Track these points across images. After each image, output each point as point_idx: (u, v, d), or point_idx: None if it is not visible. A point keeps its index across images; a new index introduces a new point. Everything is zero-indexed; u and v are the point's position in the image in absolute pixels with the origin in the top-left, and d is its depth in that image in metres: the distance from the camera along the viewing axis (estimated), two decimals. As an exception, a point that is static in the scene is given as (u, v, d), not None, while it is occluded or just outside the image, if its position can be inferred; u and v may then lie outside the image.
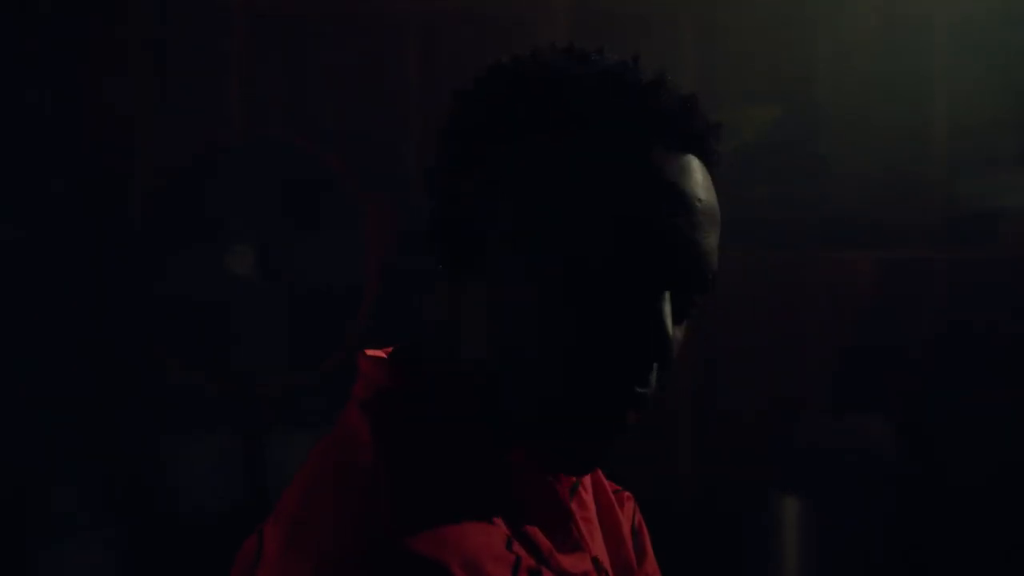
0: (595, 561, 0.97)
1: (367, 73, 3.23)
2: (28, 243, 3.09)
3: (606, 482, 1.08)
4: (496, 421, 0.90)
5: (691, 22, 3.28)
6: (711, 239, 0.89)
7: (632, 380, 0.87)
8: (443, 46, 3.24)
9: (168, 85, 3.23)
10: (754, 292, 3.28)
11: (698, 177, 0.89)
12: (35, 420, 3.06)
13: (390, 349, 0.97)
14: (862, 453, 3.09)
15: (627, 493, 1.11)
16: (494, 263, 0.89)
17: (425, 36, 3.22)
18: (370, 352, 0.97)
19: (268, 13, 3.26)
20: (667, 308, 0.87)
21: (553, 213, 0.87)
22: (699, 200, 0.88)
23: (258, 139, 3.12)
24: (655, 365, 0.88)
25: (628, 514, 1.09)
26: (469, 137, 0.90)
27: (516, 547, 0.86)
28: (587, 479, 1.04)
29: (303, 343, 2.96)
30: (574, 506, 0.98)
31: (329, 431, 0.96)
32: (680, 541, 3.09)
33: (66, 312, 3.12)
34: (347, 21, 3.24)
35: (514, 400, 0.89)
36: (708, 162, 0.91)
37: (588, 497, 1.03)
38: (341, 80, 3.24)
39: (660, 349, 0.87)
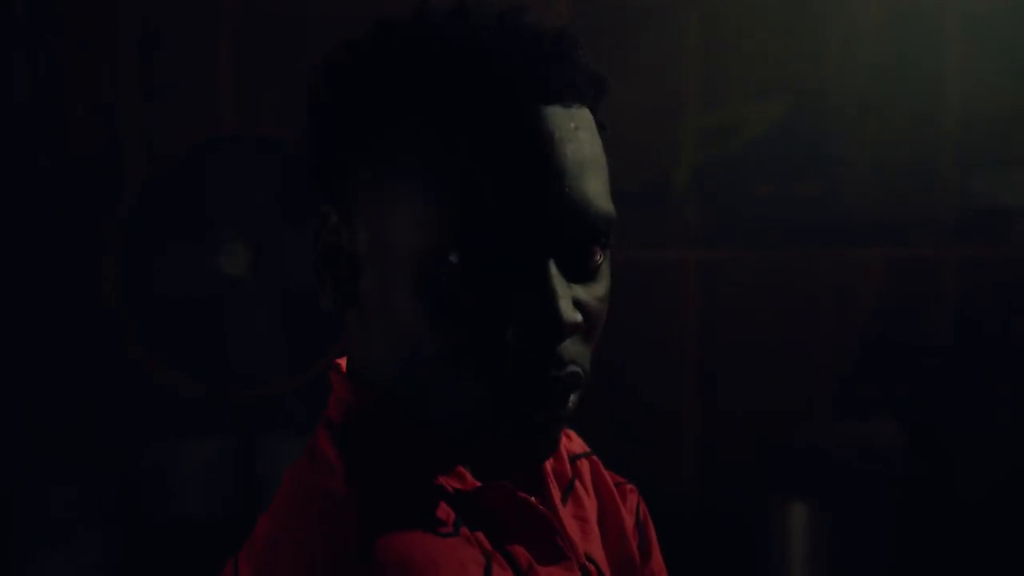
0: (590, 560, 0.96)
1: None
2: (11, 241, 3.09)
3: (607, 475, 1.06)
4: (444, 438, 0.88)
5: (695, 14, 3.27)
6: (590, 184, 0.83)
7: (542, 364, 0.83)
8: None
9: (156, 78, 3.22)
10: (759, 292, 3.28)
11: (562, 126, 0.83)
12: (22, 423, 3.05)
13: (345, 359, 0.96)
14: (869, 457, 3.10)
15: (630, 486, 1.08)
16: (372, 286, 0.86)
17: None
18: (341, 362, 0.95)
19: (260, 4, 3.26)
20: (552, 274, 0.82)
21: (415, 217, 0.82)
22: (564, 154, 0.82)
23: (249, 134, 3.11)
24: (559, 341, 0.82)
25: (631, 508, 1.07)
26: (329, 147, 0.88)
27: (497, 572, 0.84)
28: (587, 474, 1.03)
29: (295, 345, 2.95)
30: (569, 504, 0.97)
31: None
32: (684, 547, 3.08)
33: (52, 313, 3.12)
34: (341, 12, 3.24)
35: (438, 416, 0.86)
36: (580, 104, 0.85)
37: (587, 495, 1.01)
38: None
39: (552, 323, 0.81)
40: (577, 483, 1.01)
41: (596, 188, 0.84)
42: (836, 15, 3.29)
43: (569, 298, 0.83)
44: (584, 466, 1.04)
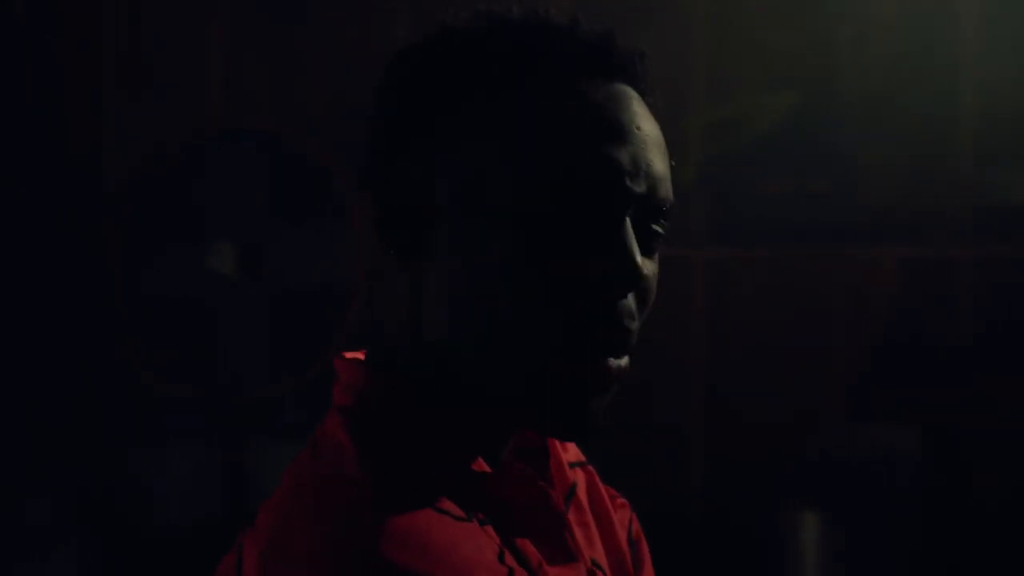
0: (594, 563, 0.98)
1: (357, 58, 3.22)
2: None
3: (602, 486, 1.09)
4: (483, 410, 0.92)
5: (701, 4, 3.28)
6: (658, 164, 0.92)
7: (612, 314, 0.89)
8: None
9: (142, 70, 3.22)
10: (769, 292, 3.28)
11: (633, 104, 0.92)
12: (2, 430, 3.05)
13: (365, 351, 0.99)
14: (884, 465, 3.10)
15: (622, 500, 1.12)
16: (447, 238, 0.91)
17: (418, 20, 3.21)
18: (348, 355, 0.98)
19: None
20: (629, 232, 0.89)
21: (499, 173, 0.89)
22: (637, 127, 0.91)
23: (239, 129, 3.11)
24: (631, 296, 0.90)
25: (623, 522, 1.10)
26: (406, 112, 0.94)
27: (508, 559, 0.86)
28: (582, 483, 1.06)
29: (286, 348, 2.95)
30: (572, 511, 1.00)
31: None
32: (692, 558, 3.09)
33: (34, 314, 3.12)
34: (335, 2, 3.24)
35: (497, 376, 0.90)
36: (640, 91, 0.95)
37: (584, 497, 1.05)
38: (329, 65, 3.23)
39: (631, 273, 0.88)
40: (578, 490, 1.04)
41: (665, 169, 0.93)
42: (848, 4, 3.29)
43: (640, 258, 0.90)
44: (580, 475, 1.08)
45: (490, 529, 0.88)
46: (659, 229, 0.93)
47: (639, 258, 0.89)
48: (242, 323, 2.94)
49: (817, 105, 3.26)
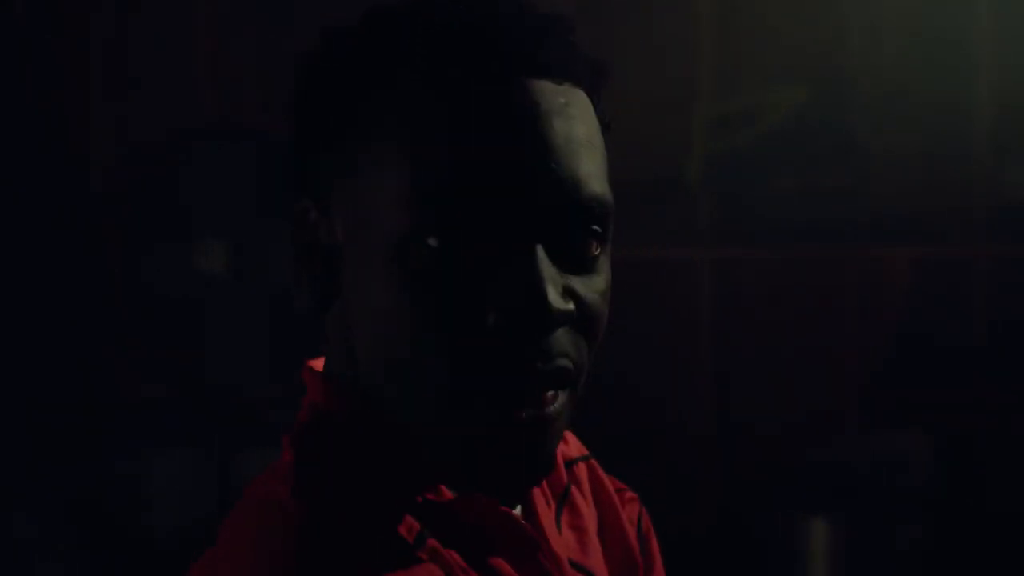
0: (583, 570, 0.95)
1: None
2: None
3: (607, 480, 1.06)
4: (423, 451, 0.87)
5: (709, -5, 3.28)
6: (580, 165, 0.82)
7: (525, 355, 0.81)
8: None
9: (129, 63, 3.21)
10: (778, 293, 3.29)
11: (550, 100, 0.83)
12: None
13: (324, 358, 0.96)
14: (897, 471, 3.10)
15: (631, 494, 1.08)
16: (349, 278, 0.86)
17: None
18: (311, 363, 0.95)
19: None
20: (539, 257, 0.81)
21: (383, 203, 0.83)
22: (551, 127, 0.82)
23: (229, 124, 3.11)
24: (545, 329, 0.81)
25: (632, 518, 1.06)
26: (304, 138, 0.89)
27: None
28: (585, 481, 1.03)
29: (278, 350, 2.95)
30: (564, 513, 0.97)
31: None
32: (700, 564, 3.09)
33: (16, 315, 3.12)
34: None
35: (418, 416, 0.85)
36: (564, 78, 0.85)
37: (584, 503, 1.01)
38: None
39: (537, 308, 0.80)
40: (574, 490, 1.00)
41: (588, 168, 0.83)
42: (861, -6, 3.29)
43: (559, 285, 0.82)
44: (582, 471, 1.04)
45: (455, 555, 0.85)
46: (594, 239, 0.84)
47: (550, 290, 0.80)
48: (236, 324, 2.94)
49: (827, 99, 3.26)
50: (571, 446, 1.05)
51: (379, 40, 0.85)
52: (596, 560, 0.99)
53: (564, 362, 0.83)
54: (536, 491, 0.95)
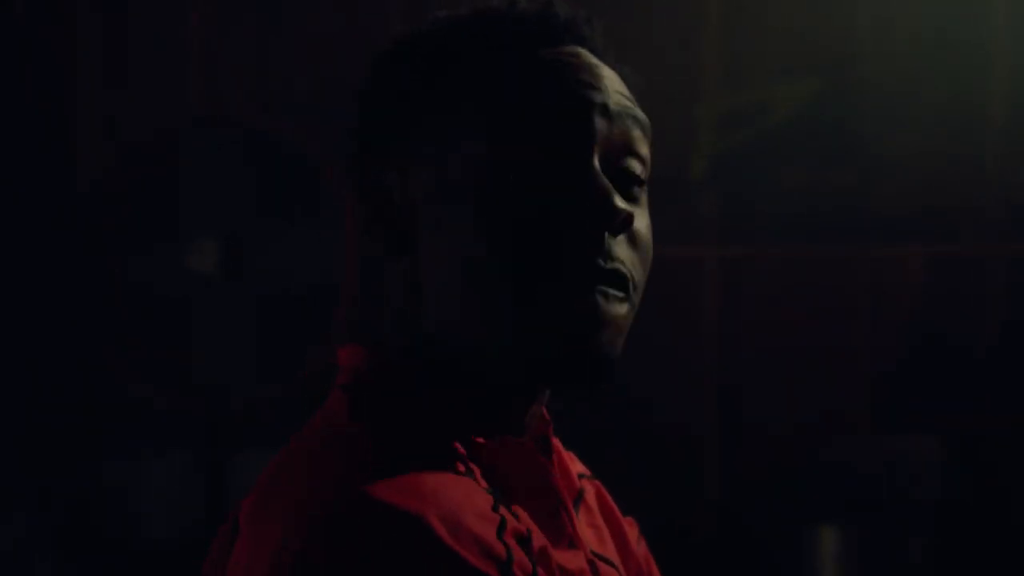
0: (601, 557, 1.03)
1: (346, 43, 3.22)
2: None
3: (611, 500, 1.15)
4: (483, 394, 0.98)
5: (716, -13, 3.28)
6: (619, 97, 0.99)
7: (591, 246, 0.93)
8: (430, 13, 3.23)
9: (118, 56, 3.21)
10: (785, 293, 3.29)
11: (598, 63, 1.00)
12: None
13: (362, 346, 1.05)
14: (908, 476, 3.10)
15: (629, 518, 1.17)
16: (427, 231, 0.99)
17: (408, 5, 3.21)
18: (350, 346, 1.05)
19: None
20: (598, 169, 0.95)
21: (461, 155, 0.97)
22: (601, 72, 0.99)
23: (221, 118, 3.11)
24: (621, 240, 0.95)
25: (633, 538, 1.15)
26: (381, 115, 1.03)
27: (504, 512, 0.89)
28: (592, 494, 1.12)
29: (272, 351, 2.95)
30: (581, 513, 1.06)
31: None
32: (703, 572, 3.09)
33: (9, 315, 3.12)
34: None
35: (497, 355, 0.96)
36: (592, 51, 1.02)
37: (594, 506, 1.11)
38: (316, 51, 3.23)
39: (601, 205, 0.92)
40: (587, 497, 1.10)
41: (632, 102, 1.00)
42: (871, -14, 3.29)
43: (614, 192, 0.94)
44: (589, 487, 1.13)
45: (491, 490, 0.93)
46: (636, 162, 0.99)
47: (609, 185, 0.94)
48: (226, 325, 2.94)
49: (837, 93, 3.26)
50: (577, 465, 1.15)
51: (453, 28, 1.02)
52: (613, 555, 1.07)
53: (622, 267, 0.94)
54: (558, 482, 1.02)
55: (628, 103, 0.99)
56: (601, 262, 0.93)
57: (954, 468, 3.12)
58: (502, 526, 0.87)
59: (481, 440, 0.95)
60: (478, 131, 0.96)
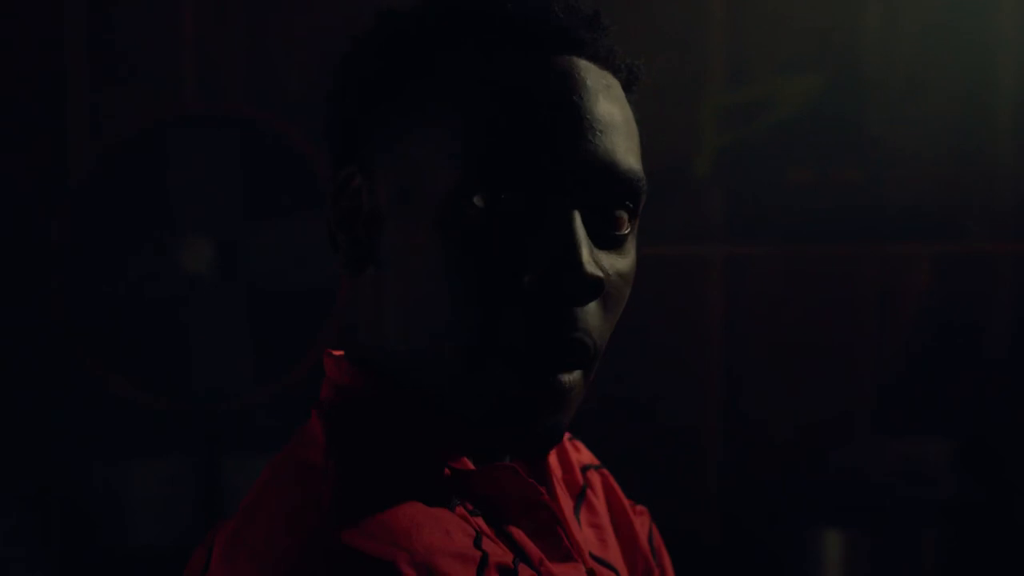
0: (603, 563, 1.02)
1: (343, 39, 3.21)
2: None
3: (619, 489, 1.14)
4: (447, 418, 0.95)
5: (720, -21, 3.28)
6: (619, 142, 0.91)
7: (552, 322, 0.89)
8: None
9: (108, 48, 3.21)
10: (791, 292, 3.29)
11: (595, 80, 0.92)
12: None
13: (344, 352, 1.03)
14: (916, 479, 3.11)
15: (640, 507, 1.16)
16: (389, 244, 0.94)
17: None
18: (334, 352, 1.02)
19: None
20: (577, 224, 0.89)
21: (425, 170, 0.91)
22: (595, 104, 0.91)
23: (215, 113, 3.10)
24: (578, 292, 0.89)
25: (643, 529, 1.14)
26: (347, 117, 0.98)
27: (487, 545, 0.88)
28: (598, 487, 1.11)
29: (265, 352, 2.95)
30: (583, 512, 1.05)
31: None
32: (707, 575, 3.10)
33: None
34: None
35: (449, 382, 0.92)
36: (594, 60, 0.94)
37: (599, 502, 1.10)
38: (312, 45, 3.23)
39: (572, 270, 0.87)
40: (589, 492, 1.09)
41: (627, 145, 0.92)
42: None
43: (592, 253, 0.89)
44: (595, 479, 1.12)
45: (479, 520, 0.91)
46: (625, 213, 0.92)
47: (585, 252, 0.88)
48: (218, 326, 2.94)
49: (844, 88, 3.26)
50: (583, 454, 1.14)
51: (433, 17, 0.94)
52: (615, 556, 1.06)
53: (586, 337, 0.90)
54: (557, 483, 1.02)
55: (621, 142, 0.92)
56: (566, 333, 0.89)
57: (963, 470, 3.13)
58: (483, 564, 0.86)
59: (468, 467, 0.93)
60: (453, 135, 0.90)
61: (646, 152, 0.95)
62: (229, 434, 3.05)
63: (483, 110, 0.90)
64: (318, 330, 2.94)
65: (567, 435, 1.10)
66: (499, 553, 0.88)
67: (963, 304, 3.29)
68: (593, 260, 0.89)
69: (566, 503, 1.03)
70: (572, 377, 0.90)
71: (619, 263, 0.92)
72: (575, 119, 0.90)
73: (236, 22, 3.25)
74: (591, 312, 0.90)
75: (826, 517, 3.10)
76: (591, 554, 1.02)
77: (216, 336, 2.94)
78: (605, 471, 1.14)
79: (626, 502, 1.13)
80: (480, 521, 0.91)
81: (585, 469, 1.11)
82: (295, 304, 2.96)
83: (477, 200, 0.88)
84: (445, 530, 0.87)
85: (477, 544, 0.87)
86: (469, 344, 0.90)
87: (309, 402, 1.01)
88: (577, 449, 1.13)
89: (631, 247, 0.94)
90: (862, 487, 3.11)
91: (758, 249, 3.29)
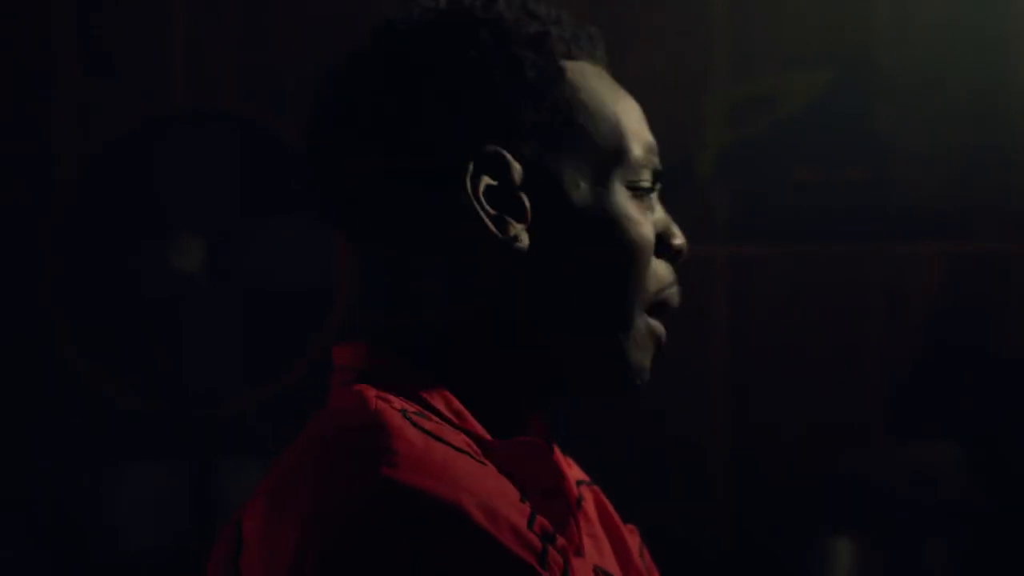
0: (601, 571, 1.04)
1: (338, 31, 3.22)
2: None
3: (611, 506, 1.17)
4: (497, 390, 1.01)
5: (724, -29, 3.28)
6: None
7: (670, 295, 1.12)
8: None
9: (97, 43, 3.21)
10: (798, 293, 3.29)
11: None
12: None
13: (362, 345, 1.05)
14: (927, 485, 3.10)
15: (631, 525, 1.18)
16: (550, 226, 1.02)
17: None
18: (344, 344, 1.04)
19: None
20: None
21: (566, 161, 1.04)
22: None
23: (206, 110, 3.11)
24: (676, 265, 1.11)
25: (635, 545, 1.17)
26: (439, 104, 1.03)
27: (530, 505, 0.90)
28: (590, 501, 1.14)
29: (260, 355, 2.96)
30: (580, 520, 1.05)
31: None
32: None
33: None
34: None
35: (581, 365, 1.05)
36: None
37: (592, 513, 1.13)
38: (307, 39, 3.23)
39: (681, 255, 1.12)
40: (585, 504, 1.12)
41: None
42: (888, -28, 3.29)
43: None
44: (588, 493, 1.15)
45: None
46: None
47: (683, 238, 1.12)
48: (211, 328, 2.94)
49: (852, 84, 3.26)
50: (575, 470, 1.17)
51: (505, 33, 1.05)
52: (612, 568, 1.08)
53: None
54: (569, 486, 1.05)
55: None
56: (672, 301, 1.11)
57: (974, 476, 3.13)
58: (532, 518, 0.87)
59: (495, 440, 0.96)
60: (595, 151, 1.05)
61: None
62: (222, 438, 3.05)
63: (605, 110, 1.07)
64: (314, 332, 2.95)
65: (558, 449, 1.13)
66: (540, 516, 0.89)
67: (974, 305, 3.29)
68: None
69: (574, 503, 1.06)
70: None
71: None
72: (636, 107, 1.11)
73: (227, 17, 3.26)
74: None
75: (835, 523, 3.10)
76: (594, 565, 1.04)
77: (209, 338, 2.95)
78: (596, 488, 1.18)
79: (617, 518, 1.16)
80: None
81: (579, 484, 1.14)
82: (290, 305, 2.96)
83: (644, 179, 1.10)
84: (498, 480, 0.89)
85: (523, 500, 0.89)
86: (628, 304, 1.05)
87: (302, 406, 1.02)
88: (569, 465, 1.16)
89: None
90: (871, 491, 3.12)
91: (764, 248, 3.29)
